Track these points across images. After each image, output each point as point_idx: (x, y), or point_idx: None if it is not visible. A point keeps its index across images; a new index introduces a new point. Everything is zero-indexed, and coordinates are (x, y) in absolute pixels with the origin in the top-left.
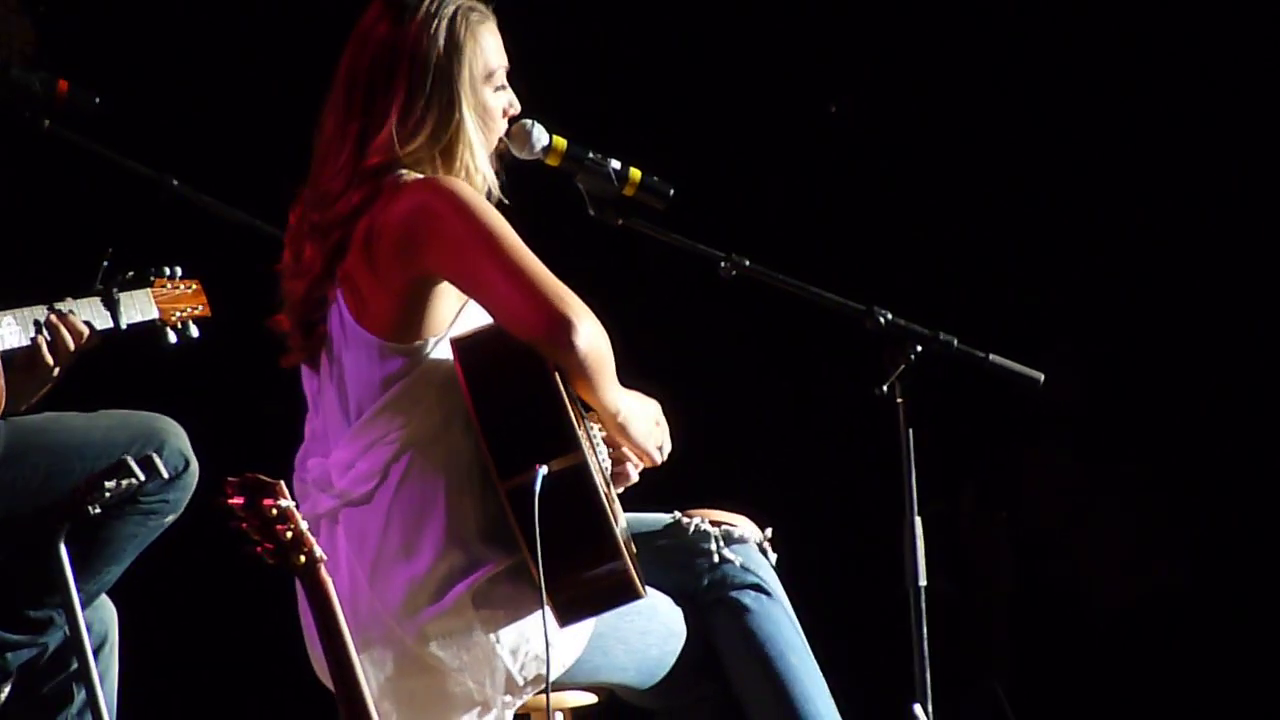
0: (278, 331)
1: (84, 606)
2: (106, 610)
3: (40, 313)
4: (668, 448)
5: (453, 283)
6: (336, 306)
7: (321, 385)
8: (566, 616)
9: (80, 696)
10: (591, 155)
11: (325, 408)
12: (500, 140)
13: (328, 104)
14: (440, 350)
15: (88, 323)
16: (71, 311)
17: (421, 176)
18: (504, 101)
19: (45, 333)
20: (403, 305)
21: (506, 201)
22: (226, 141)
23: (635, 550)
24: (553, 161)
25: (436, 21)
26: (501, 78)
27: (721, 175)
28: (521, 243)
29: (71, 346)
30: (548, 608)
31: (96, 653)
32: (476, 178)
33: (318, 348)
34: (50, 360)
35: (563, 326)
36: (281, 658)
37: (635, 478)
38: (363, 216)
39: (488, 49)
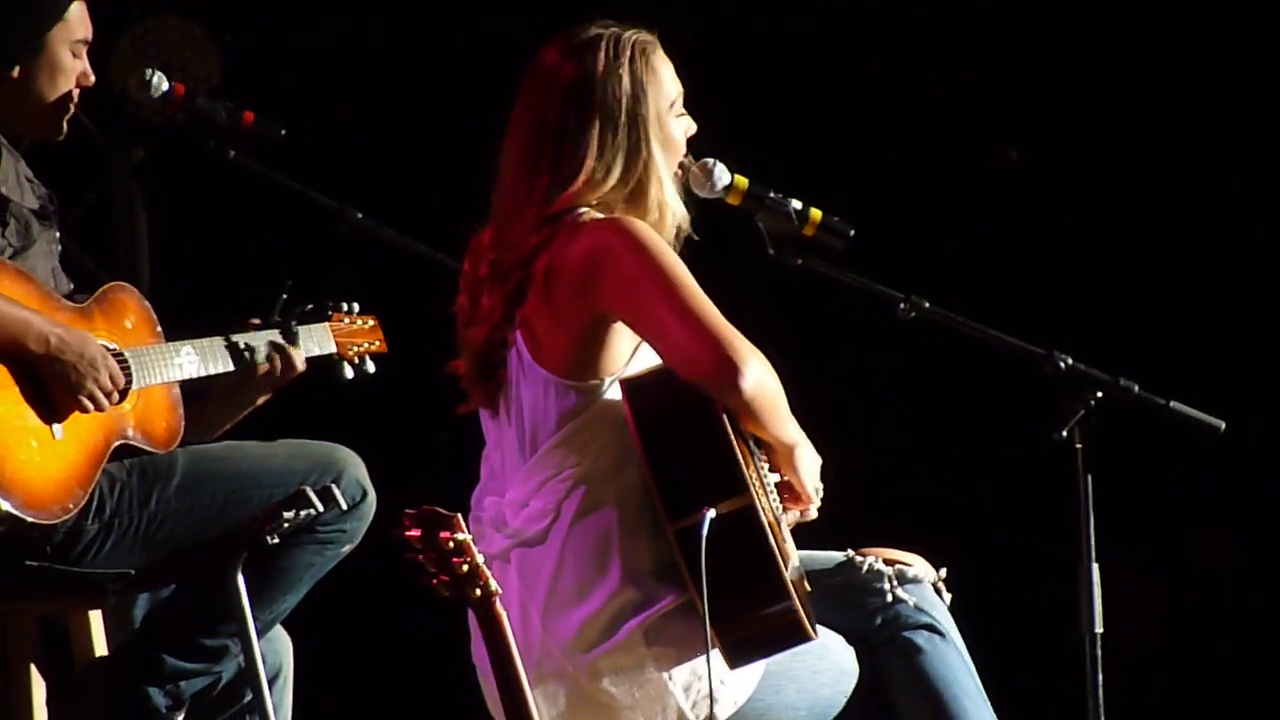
0: (455, 376)
1: (259, 636)
2: (282, 641)
3: (218, 343)
4: (819, 499)
5: (624, 321)
6: (515, 349)
7: (501, 427)
8: (736, 657)
9: None
10: (772, 194)
11: (505, 445)
12: (678, 172)
13: (511, 144)
14: (615, 390)
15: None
16: (289, 340)
17: (601, 216)
18: (685, 126)
19: (279, 357)
20: (579, 343)
21: (696, 238)
22: (407, 175)
23: (808, 589)
24: (733, 200)
25: (619, 65)
26: (680, 104)
27: (901, 217)
28: (694, 284)
29: (280, 374)
30: (716, 649)
31: (271, 684)
32: (668, 213)
33: (496, 392)
34: (265, 384)
35: (729, 368)
36: (454, 690)
37: (813, 515)
38: (542, 255)
39: (666, 81)
